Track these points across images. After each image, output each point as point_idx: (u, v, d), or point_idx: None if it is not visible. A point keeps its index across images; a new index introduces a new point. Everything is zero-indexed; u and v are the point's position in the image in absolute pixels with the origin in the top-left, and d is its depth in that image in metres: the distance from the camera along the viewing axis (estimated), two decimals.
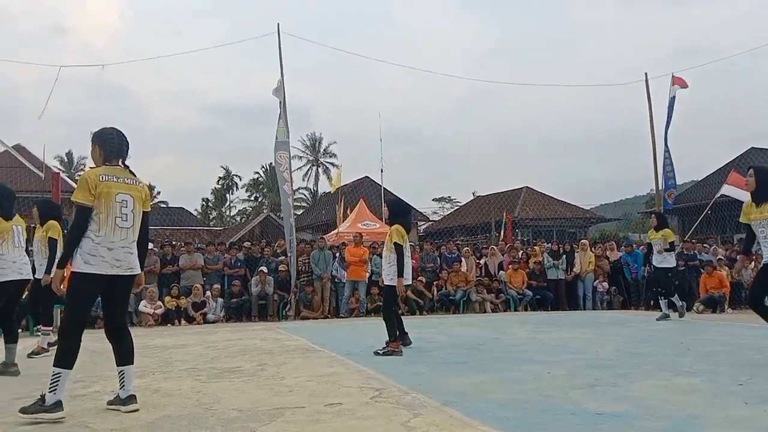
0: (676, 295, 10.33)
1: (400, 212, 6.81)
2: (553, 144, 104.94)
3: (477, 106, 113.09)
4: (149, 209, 4.02)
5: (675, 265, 10.54)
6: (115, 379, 4.99)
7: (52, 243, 6.38)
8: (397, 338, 6.43)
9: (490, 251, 15.35)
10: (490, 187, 52.05)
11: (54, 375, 3.54)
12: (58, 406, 3.51)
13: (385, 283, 6.70)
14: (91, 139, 3.92)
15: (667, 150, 16.92)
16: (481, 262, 15.06)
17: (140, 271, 3.92)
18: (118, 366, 3.87)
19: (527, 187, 33.60)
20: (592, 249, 14.91)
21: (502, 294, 13.96)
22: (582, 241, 15.68)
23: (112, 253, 3.67)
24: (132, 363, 3.90)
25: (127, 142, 3.92)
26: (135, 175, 3.91)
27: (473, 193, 43.24)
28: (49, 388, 3.52)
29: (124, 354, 3.88)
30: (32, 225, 7.13)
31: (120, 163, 3.87)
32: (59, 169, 17.26)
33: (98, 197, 3.68)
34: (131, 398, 3.76)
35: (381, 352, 6.24)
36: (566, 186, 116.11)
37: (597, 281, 14.38)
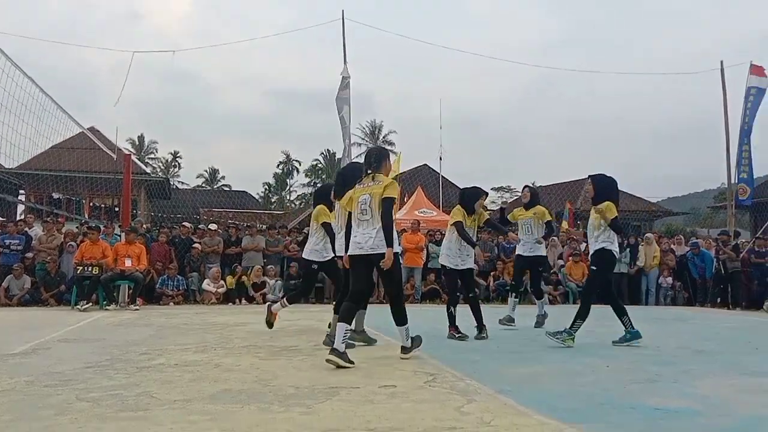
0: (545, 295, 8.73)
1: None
2: (619, 135, 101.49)
3: (540, 95, 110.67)
4: (388, 195, 4.69)
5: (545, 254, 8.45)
6: (179, 351, 5.26)
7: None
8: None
9: (550, 242, 15.06)
10: (552, 177, 50.85)
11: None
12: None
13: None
14: None
15: (746, 143, 16.07)
16: None
17: (381, 250, 4.64)
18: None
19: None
20: (658, 243, 14.44)
21: (560, 286, 13.73)
22: (647, 234, 15.22)
23: (356, 238, 4.79)
24: (399, 324, 4.95)
25: (368, 158, 4.93)
26: (379, 179, 4.79)
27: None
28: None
29: (393, 317, 4.96)
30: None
31: (368, 174, 4.87)
32: (130, 151, 17.95)
33: (349, 204, 4.96)
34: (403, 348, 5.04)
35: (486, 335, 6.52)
36: (632, 178, 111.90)
37: (661, 276, 13.93)
